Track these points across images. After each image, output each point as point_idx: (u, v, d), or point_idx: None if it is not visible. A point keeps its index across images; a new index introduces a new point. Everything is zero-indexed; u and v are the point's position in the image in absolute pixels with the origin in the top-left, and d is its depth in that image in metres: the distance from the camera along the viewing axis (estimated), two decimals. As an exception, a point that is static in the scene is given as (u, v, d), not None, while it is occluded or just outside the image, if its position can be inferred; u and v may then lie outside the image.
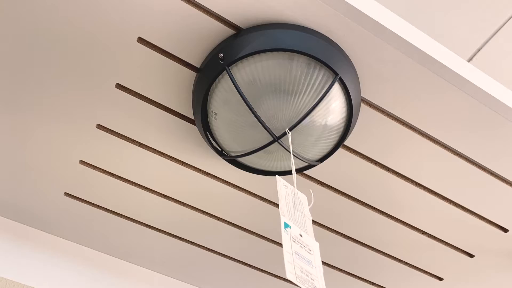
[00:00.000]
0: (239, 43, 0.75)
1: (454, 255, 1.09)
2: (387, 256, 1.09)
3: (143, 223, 1.04)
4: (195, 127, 0.88)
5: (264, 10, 0.75)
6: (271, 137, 0.75)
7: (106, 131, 0.90)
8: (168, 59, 0.80)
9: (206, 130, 0.82)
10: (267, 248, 1.08)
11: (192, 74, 0.82)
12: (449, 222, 1.03)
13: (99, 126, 0.89)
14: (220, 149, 0.85)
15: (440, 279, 1.15)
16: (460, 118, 0.85)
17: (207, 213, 1.02)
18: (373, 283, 1.16)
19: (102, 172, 0.95)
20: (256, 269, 1.14)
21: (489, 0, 1.41)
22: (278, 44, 0.73)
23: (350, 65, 0.78)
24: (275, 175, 0.86)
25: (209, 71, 0.77)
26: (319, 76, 0.75)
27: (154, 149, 0.92)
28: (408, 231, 1.04)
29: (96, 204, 1.01)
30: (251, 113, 0.75)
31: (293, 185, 0.62)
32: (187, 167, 0.95)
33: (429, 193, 0.97)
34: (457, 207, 1.00)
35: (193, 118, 0.86)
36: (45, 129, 0.88)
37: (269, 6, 0.74)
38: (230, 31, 0.77)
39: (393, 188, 0.97)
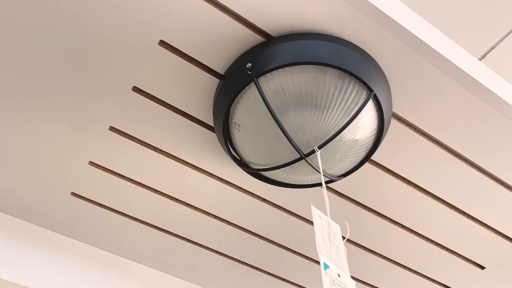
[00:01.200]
0: (269, 53, 0.70)
1: (465, 266, 1.08)
2: (398, 265, 1.08)
3: (152, 224, 1.01)
4: (214, 134, 0.84)
5: (297, 18, 0.70)
6: (297, 153, 0.72)
7: (119, 134, 0.85)
8: (190, 64, 0.75)
9: (227, 139, 0.78)
10: (275, 251, 1.06)
11: (215, 81, 0.77)
12: (463, 234, 1.01)
13: (112, 128, 0.84)
14: (239, 158, 0.81)
15: (449, 288, 1.14)
16: (491, 138, 0.82)
17: (218, 217, 0.99)
18: (380, 290, 1.16)
19: (111, 174, 0.91)
20: (265, 273, 1.12)
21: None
22: (312, 57, 0.68)
23: (384, 80, 0.74)
24: (294, 187, 0.84)
25: (235, 80, 0.73)
26: (353, 92, 0.71)
27: (168, 153, 0.88)
28: (421, 242, 1.03)
29: (103, 205, 0.97)
30: (277, 127, 0.71)
31: (326, 214, 0.58)
32: (201, 172, 0.91)
33: (447, 206, 0.95)
34: (473, 220, 0.98)
35: (213, 125, 0.82)
36: (56, 128, 0.84)
37: (303, 14, 0.69)
38: (259, 39, 0.72)
39: (410, 199, 0.94)
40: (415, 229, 1.00)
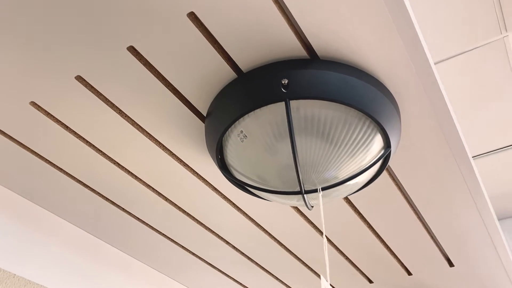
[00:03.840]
0: (312, 77, 0.61)
1: (357, 277, 1.17)
2: (309, 269, 1.13)
3: (81, 181, 0.86)
4: (199, 122, 0.73)
5: (350, 47, 0.61)
6: (296, 184, 0.66)
7: (85, 86, 0.68)
8: (210, 45, 0.62)
9: (219, 140, 0.68)
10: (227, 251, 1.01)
11: (230, 74, 0.65)
12: (366, 248, 1.07)
13: (79, 78, 0.67)
14: (220, 157, 0.72)
15: (334, 289, 1.23)
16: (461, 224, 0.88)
17: (168, 199, 0.89)
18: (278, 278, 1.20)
19: (53, 120, 0.74)
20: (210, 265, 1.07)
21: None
22: (354, 101, 0.62)
23: (399, 135, 0.71)
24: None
25: (261, 90, 0.62)
26: (373, 141, 0.66)
27: (133, 121, 0.74)
28: (334, 252, 1.07)
29: (29, 148, 0.79)
30: (289, 150, 0.63)
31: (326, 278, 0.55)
32: (166, 151, 0.79)
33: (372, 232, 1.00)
34: (381, 242, 1.04)
35: (203, 114, 0.71)
36: (15, 61, 0.63)
37: (358, 47, 0.61)
38: (301, 52, 0.62)
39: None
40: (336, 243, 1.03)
